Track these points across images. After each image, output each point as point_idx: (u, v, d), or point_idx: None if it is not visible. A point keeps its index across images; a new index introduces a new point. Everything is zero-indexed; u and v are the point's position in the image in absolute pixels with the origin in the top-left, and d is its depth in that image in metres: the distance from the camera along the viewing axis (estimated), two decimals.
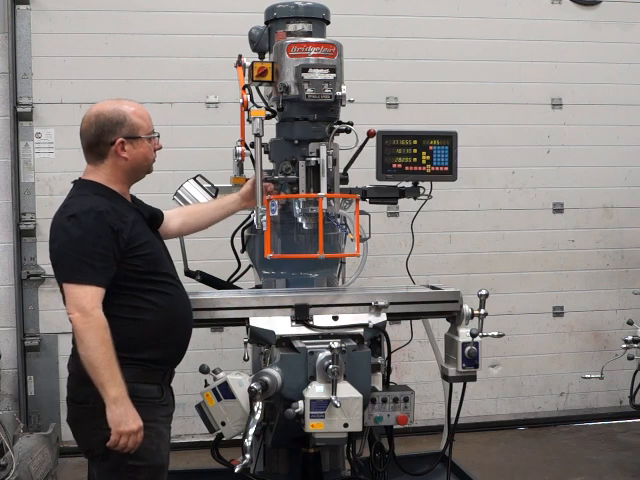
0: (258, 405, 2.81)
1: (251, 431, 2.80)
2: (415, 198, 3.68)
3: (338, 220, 3.40)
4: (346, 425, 2.75)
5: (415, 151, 3.50)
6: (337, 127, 3.38)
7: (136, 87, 5.34)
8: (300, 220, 3.43)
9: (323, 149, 3.30)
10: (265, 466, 3.57)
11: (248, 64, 3.43)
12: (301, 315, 3.09)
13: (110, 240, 2.67)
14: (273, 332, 3.04)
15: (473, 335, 3.18)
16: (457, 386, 3.34)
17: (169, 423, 2.88)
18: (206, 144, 5.46)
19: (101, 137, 2.80)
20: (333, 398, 2.71)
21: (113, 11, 5.44)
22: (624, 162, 6.11)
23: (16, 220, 5.37)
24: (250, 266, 3.85)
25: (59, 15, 5.39)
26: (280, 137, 3.54)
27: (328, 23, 3.66)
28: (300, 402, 2.77)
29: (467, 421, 5.64)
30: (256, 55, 3.64)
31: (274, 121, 3.58)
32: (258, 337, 3.08)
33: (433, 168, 3.52)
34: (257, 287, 3.74)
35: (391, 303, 3.16)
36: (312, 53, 3.32)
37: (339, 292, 3.36)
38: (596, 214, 6.13)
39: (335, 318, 3.12)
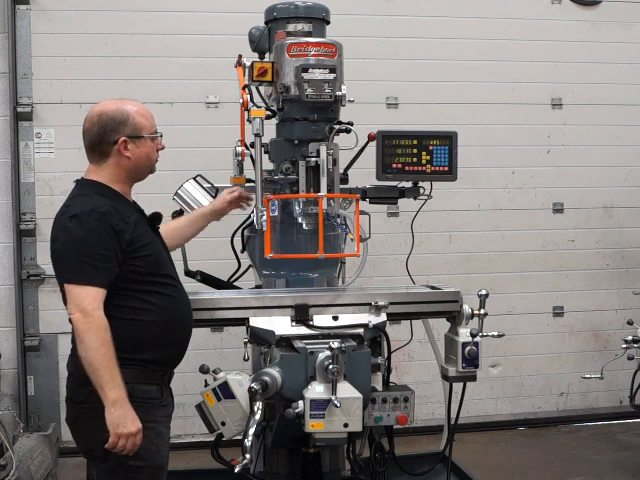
0: (258, 405, 2.81)
1: (251, 431, 2.80)
2: (415, 198, 3.68)
3: (338, 220, 3.40)
4: (346, 425, 2.75)
5: (415, 151, 3.50)
6: (337, 127, 3.39)
7: (136, 87, 5.33)
8: (300, 220, 3.43)
9: (323, 149, 3.30)
10: (265, 466, 3.57)
11: (248, 64, 3.43)
12: (301, 315, 3.09)
13: (112, 241, 2.66)
14: (273, 332, 3.04)
15: (473, 335, 3.18)
16: (457, 386, 3.33)
17: (169, 423, 2.88)
18: (206, 144, 5.45)
19: (104, 136, 2.79)
20: (333, 398, 2.71)
21: (113, 11, 5.44)
22: (624, 162, 6.11)
23: (16, 220, 5.37)
24: (250, 266, 3.85)
25: (59, 15, 5.39)
26: (280, 137, 3.54)
27: (328, 23, 3.66)
28: (300, 402, 2.76)
29: (467, 421, 5.64)
30: (256, 55, 3.65)
31: (274, 121, 3.58)
32: (258, 337, 3.08)
33: (433, 168, 3.52)
34: (257, 287, 3.74)
35: (391, 303, 3.16)
36: (312, 53, 3.32)
37: (339, 292, 3.35)
38: (596, 214, 6.12)
39: (335, 318, 3.11)
